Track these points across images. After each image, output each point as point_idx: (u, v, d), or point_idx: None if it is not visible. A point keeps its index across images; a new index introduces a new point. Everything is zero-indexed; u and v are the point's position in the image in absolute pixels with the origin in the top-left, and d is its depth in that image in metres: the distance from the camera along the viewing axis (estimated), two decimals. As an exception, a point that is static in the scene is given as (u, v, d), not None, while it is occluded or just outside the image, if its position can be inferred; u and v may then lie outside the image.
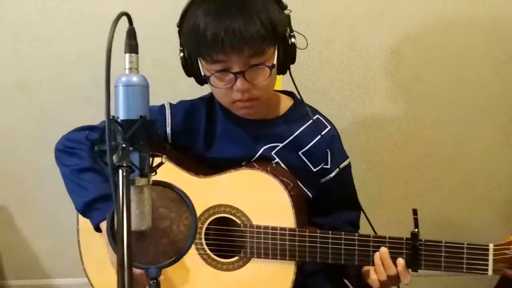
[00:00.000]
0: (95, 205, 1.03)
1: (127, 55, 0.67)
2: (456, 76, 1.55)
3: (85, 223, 1.12)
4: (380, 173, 1.65)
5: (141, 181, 0.65)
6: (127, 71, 0.66)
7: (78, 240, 1.14)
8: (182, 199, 0.76)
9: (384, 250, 0.97)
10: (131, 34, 0.67)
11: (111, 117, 0.62)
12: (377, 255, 0.98)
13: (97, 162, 0.66)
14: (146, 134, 0.65)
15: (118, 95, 0.65)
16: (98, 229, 1.03)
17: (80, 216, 1.13)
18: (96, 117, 1.16)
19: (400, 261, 0.96)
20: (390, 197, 1.67)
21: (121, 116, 0.65)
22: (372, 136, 1.62)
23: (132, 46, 0.66)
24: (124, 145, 0.61)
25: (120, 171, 0.58)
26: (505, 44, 1.52)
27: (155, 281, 0.74)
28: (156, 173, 0.69)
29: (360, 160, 1.20)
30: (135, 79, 0.66)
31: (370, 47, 1.53)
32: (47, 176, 1.61)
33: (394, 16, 1.49)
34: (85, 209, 1.04)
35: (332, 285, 1.18)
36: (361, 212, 1.15)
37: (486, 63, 1.54)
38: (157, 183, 0.74)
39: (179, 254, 0.75)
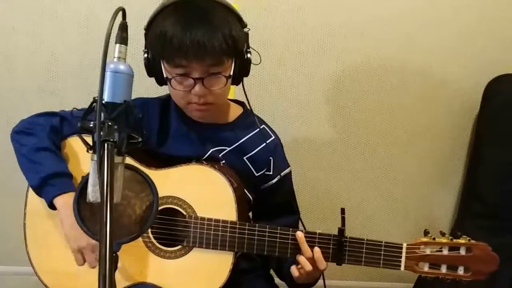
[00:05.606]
0: (50, 180, 1.06)
1: (117, 45, 0.74)
2: (388, 108, 1.74)
3: (33, 206, 1.14)
4: (313, 189, 1.79)
5: (117, 159, 0.72)
6: (115, 59, 0.74)
7: (24, 224, 1.15)
8: (147, 183, 0.83)
9: (300, 234, 1.08)
10: (123, 28, 0.74)
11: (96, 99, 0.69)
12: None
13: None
14: (126, 118, 0.73)
15: (106, 80, 0.72)
16: (51, 205, 1.06)
17: (29, 199, 1.15)
18: (50, 107, 1.21)
19: (316, 249, 1.07)
20: (319, 211, 1.80)
21: (106, 98, 0.72)
22: (309, 154, 1.75)
23: (123, 38, 0.74)
24: (110, 123, 0.68)
25: (106, 145, 0.65)
26: (434, 83, 1.72)
27: (114, 254, 0.80)
28: (128, 155, 0.76)
29: (295, 175, 1.34)
30: (122, 67, 0.74)
31: (317, 73, 1.67)
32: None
33: (341, 49, 1.66)
34: (40, 185, 1.06)
35: (264, 283, 1.27)
36: (299, 217, 1.26)
37: (415, 98, 1.74)
38: (126, 166, 0.81)
39: (138, 232, 0.82)
